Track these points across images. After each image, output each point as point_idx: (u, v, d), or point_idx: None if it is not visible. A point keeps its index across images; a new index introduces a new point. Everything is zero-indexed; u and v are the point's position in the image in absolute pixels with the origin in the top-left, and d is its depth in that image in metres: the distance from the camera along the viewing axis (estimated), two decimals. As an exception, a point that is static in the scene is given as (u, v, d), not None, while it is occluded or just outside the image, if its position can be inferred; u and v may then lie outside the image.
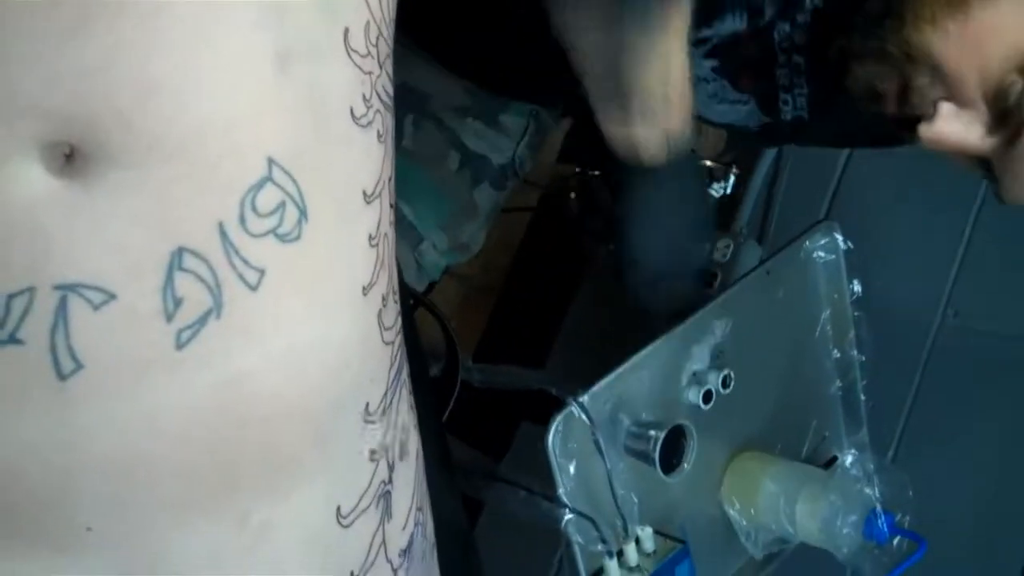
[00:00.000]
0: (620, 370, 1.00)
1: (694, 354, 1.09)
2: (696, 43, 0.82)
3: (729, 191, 0.88)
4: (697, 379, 1.09)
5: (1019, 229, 1.36)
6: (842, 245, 1.20)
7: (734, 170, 0.87)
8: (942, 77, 0.69)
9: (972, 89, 0.68)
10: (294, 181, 0.49)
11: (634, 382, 1.03)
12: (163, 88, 0.43)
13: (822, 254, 1.20)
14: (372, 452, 0.63)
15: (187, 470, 0.47)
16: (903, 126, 0.73)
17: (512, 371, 1.04)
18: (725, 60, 0.84)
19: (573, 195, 0.90)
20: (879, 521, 1.05)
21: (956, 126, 0.69)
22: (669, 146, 0.63)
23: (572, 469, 0.97)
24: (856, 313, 1.22)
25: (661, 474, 1.03)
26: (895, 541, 1.08)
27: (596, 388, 0.98)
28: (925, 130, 0.71)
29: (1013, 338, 1.31)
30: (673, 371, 1.07)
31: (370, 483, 0.61)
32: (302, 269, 0.50)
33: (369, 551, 0.61)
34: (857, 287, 1.21)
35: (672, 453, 1.05)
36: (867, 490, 1.07)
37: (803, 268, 1.19)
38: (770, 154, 1.57)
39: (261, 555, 0.51)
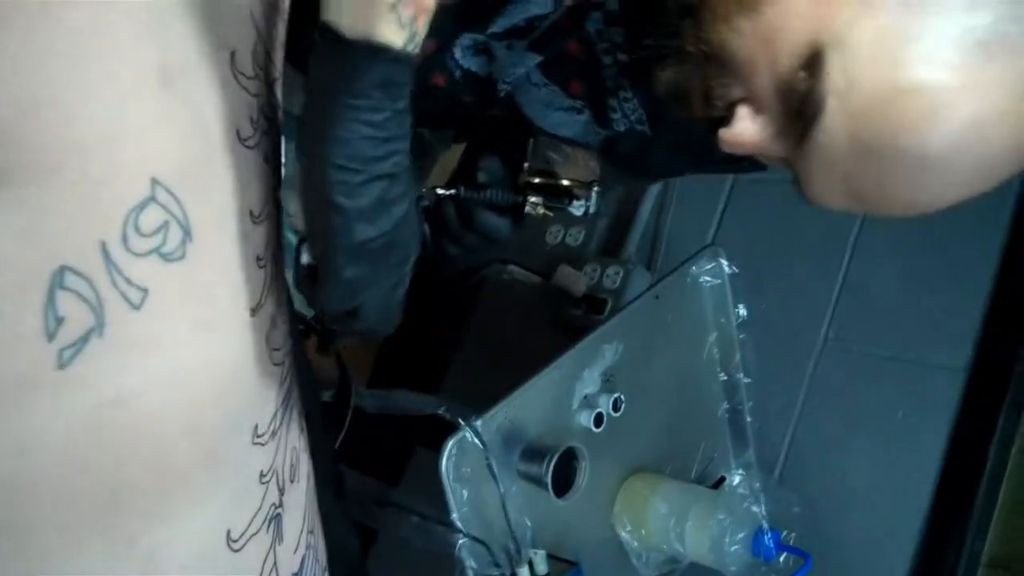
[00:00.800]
0: (513, 395, 1.01)
1: (585, 378, 1.10)
2: (512, 33, 0.82)
3: (592, 209, 0.89)
4: (588, 402, 1.10)
5: (898, 252, 1.40)
6: (727, 270, 1.23)
7: (595, 187, 0.88)
8: (738, 77, 0.70)
9: (766, 88, 0.69)
10: (178, 201, 0.49)
11: (527, 406, 1.04)
12: (47, 103, 0.43)
13: (708, 279, 1.23)
14: (262, 474, 0.63)
15: (70, 492, 0.46)
16: (711, 130, 0.75)
17: (405, 396, 1.05)
18: (552, 63, 0.85)
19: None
20: (766, 538, 1.08)
21: (752, 128, 0.71)
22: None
23: (466, 494, 0.97)
24: (741, 336, 1.25)
25: (554, 497, 1.04)
26: (782, 557, 1.11)
27: (489, 413, 0.99)
28: (723, 133, 0.72)
29: (892, 359, 1.36)
30: (565, 395, 1.09)
31: (260, 505, 0.61)
32: (187, 289, 0.50)
33: (261, 573, 0.60)
34: (743, 311, 1.24)
35: (564, 476, 1.06)
36: (754, 508, 1.09)
37: (690, 292, 1.22)
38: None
39: (153, 580, 0.51)
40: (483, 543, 0.99)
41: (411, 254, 0.70)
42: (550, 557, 1.05)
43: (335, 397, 0.95)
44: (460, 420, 0.96)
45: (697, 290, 1.23)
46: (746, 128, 0.71)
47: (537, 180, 0.90)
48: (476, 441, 0.97)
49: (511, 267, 1.46)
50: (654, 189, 1.60)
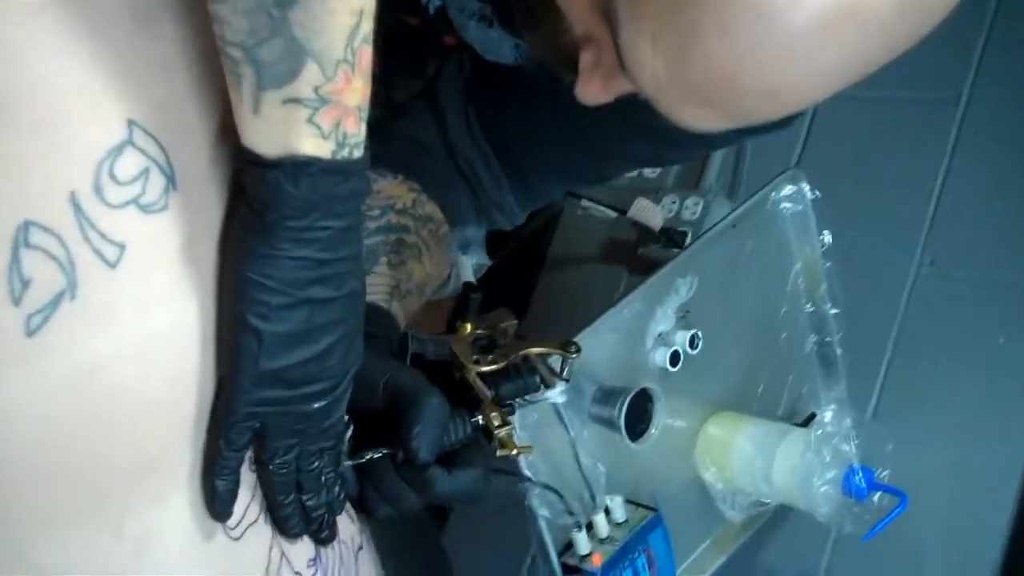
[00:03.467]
0: (582, 335, 0.96)
1: (659, 315, 1.05)
2: None
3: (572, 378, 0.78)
4: (663, 340, 1.05)
5: (992, 172, 1.32)
6: (809, 195, 1.15)
7: (573, 350, 0.76)
8: (572, 25, 0.65)
9: (596, 30, 0.63)
10: (159, 144, 0.45)
11: (597, 347, 0.99)
12: (6, 41, 0.39)
13: (789, 205, 1.16)
14: (251, 458, 0.59)
15: (49, 476, 0.42)
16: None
17: (467, 340, 0.99)
18: None
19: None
20: (857, 477, 1.02)
21: (595, 78, 0.65)
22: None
23: (534, 441, 0.93)
24: (828, 264, 1.18)
25: (628, 441, 0.99)
26: (875, 497, 1.04)
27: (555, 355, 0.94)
28: (576, 90, 0.66)
29: (991, 283, 1.28)
30: (638, 334, 1.03)
31: (254, 493, 0.57)
32: (169, 243, 0.46)
33: (269, 563, 0.57)
34: (828, 238, 1.17)
35: (639, 419, 1.01)
36: (844, 446, 1.03)
37: (770, 220, 1.15)
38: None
39: (146, 566, 0.47)
40: (555, 491, 0.94)
41: (338, 388, 0.62)
42: (628, 503, 1.00)
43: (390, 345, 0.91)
44: (555, 379, 0.91)
45: (778, 217, 1.16)
46: (592, 81, 0.65)
47: (489, 368, 0.74)
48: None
49: (584, 202, 1.40)
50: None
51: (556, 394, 0.73)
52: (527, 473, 0.92)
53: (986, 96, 1.40)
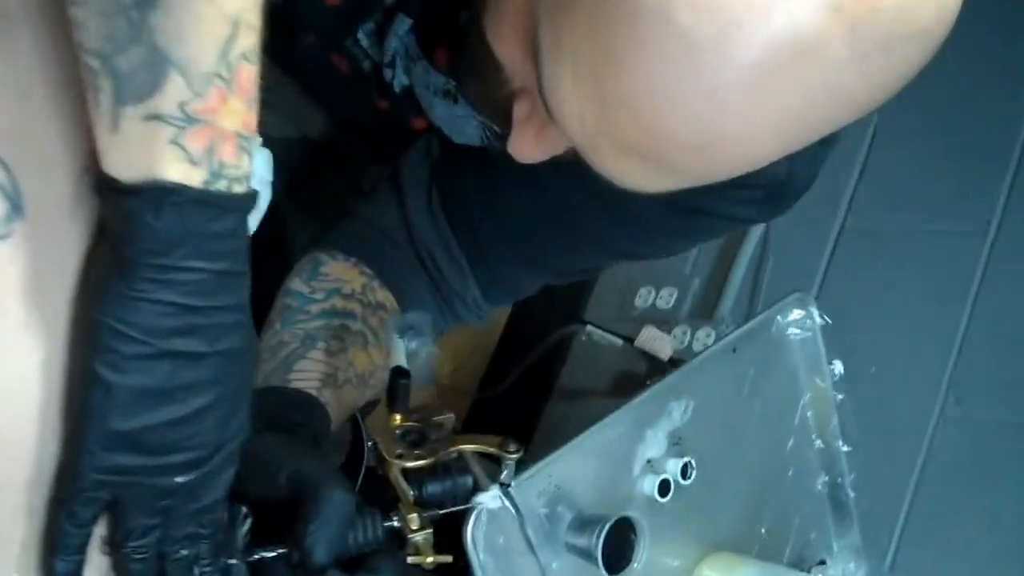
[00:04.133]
0: (556, 454, 0.88)
1: (648, 439, 0.96)
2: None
3: (510, 480, 0.70)
4: (652, 468, 0.96)
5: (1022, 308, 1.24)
6: (819, 320, 1.08)
7: (512, 449, 0.68)
8: (510, 77, 0.59)
9: (527, 76, 0.56)
10: (4, 166, 0.40)
11: (578, 470, 0.91)
12: None
13: (797, 331, 1.08)
14: (103, 538, 0.52)
15: None
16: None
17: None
18: (423, 26, 0.71)
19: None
20: (862, 629, 0.91)
21: (528, 130, 0.58)
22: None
23: (498, 569, 0.84)
24: (840, 398, 1.10)
25: (606, 574, 0.90)
26: (885, 655, 0.94)
27: (526, 475, 0.86)
28: (509, 145, 0.60)
29: (1021, 425, 1.18)
30: (624, 459, 0.95)
31: None
32: (10, 279, 0.40)
33: None
34: (839, 368, 1.09)
35: (620, 551, 0.92)
36: (848, 593, 0.93)
37: (776, 346, 1.08)
38: (755, 235, 1.47)
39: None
40: (522, 628, 0.85)
41: (209, 462, 0.54)
42: (605, 648, 0.91)
43: (347, 458, 0.83)
44: (491, 484, 0.83)
45: (784, 343, 1.08)
46: (525, 135, 0.59)
47: (414, 464, 0.66)
48: (509, 506, 0.84)
49: (589, 328, 1.34)
50: (752, 241, 1.47)
51: (489, 499, 0.64)
52: (486, 601, 0.84)
53: (1016, 229, 1.33)
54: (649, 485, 0.95)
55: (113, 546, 0.53)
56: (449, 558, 0.64)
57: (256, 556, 0.61)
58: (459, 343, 1.59)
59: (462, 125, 0.74)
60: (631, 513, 0.93)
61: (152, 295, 0.48)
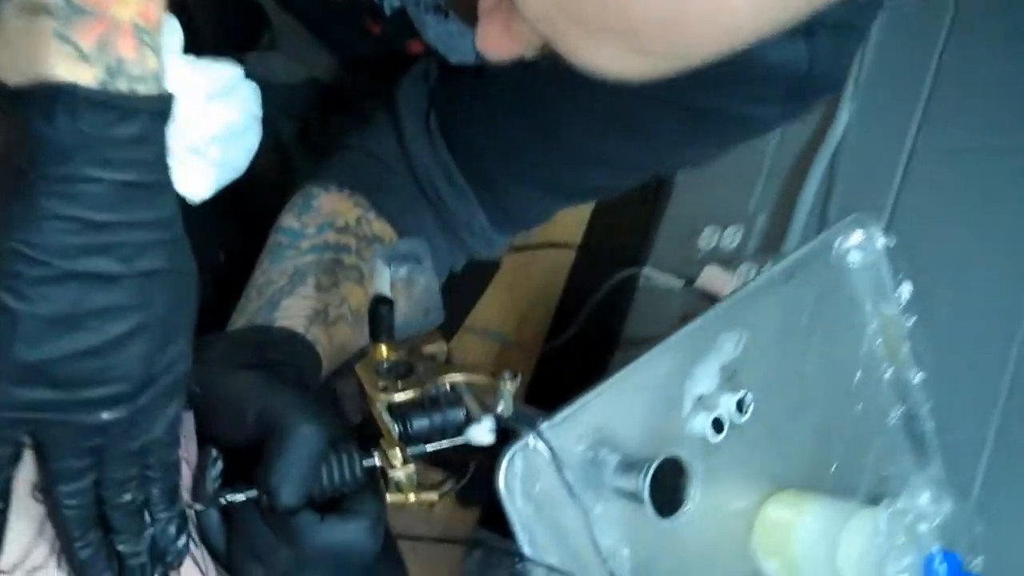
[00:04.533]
0: (593, 393, 0.83)
1: (698, 375, 0.91)
2: None
3: (508, 411, 0.62)
4: (704, 404, 0.91)
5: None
6: (882, 242, 1.01)
7: (507, 378, 0.61)
8: None
9: None
10: None
11: (621, 410, 0.86)
12: None
13: (859, 254, 1.02)
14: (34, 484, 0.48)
15: None
16: None
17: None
18: None
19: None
20: (938, 564, 0.85)
21: (495, 20, 0.51)
22: None
23: (539, 518, 0.80)
24: (911, 322, 1.03)
25: (656, 517, 0.85)
26: (963, 589, 0.87)
27: (559, 416, 0.81)
28: (477, 40, 0.53)
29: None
30: (673, 397, 0.90)
31: (41, 531, 0.46)
32: None
33: None
34: (907, 291, 1.02)
35: (670, 493, 0.87)
36: (922, 527, 0.87)
37: (836, 271, 1.01)
38: (821, 164, 1.39)
39: None
40: (567, 574, 0.81)
41: (139, 397, 0.49)
42: (664, 594, 0.86)
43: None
44: (524, 428, 0.78)
45: (845, 268, 1.01)
46: (491, 13, 0.52)
47: (399, 397, 0.60)
48: (544, 450, 0.79)
49: (647, 270, 1.28)
50: (817, 171, 1.39)
51: (482, 433, 0.59)
52: (526, 550, 0.79)
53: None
54: (701, 423, 0.90)
55: (44, 492, 0.49)
56: (435, 498, 0.59)
57: (224, 500, 0.57)
58: (521, 296, 1.54)
59: (457, 42, 0.69)
60: (683, 455, 0.87)
61: (54, 210, 0.43)
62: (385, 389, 0.59)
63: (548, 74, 0.58)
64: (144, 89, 0.45)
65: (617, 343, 1.48)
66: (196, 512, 0.58)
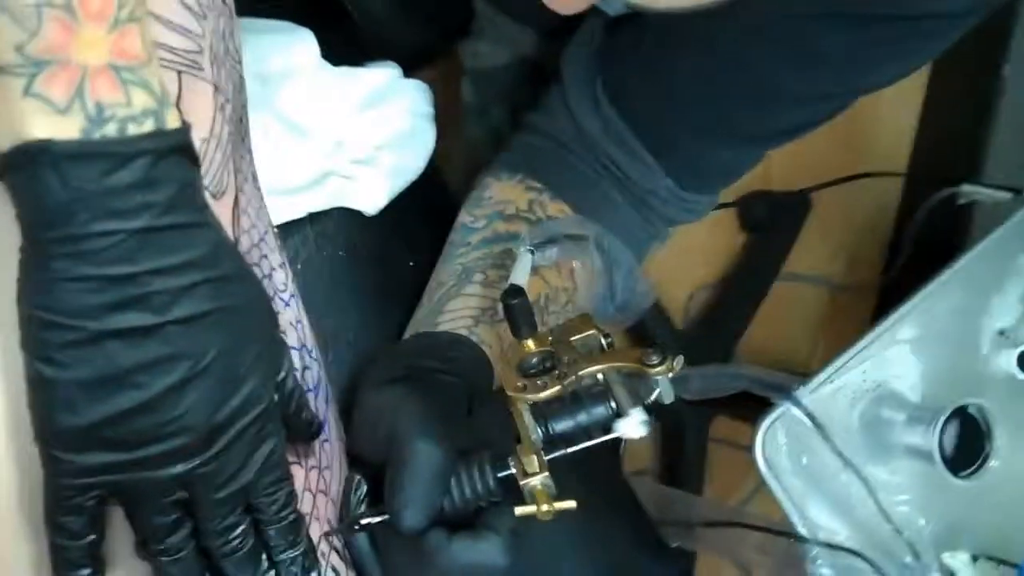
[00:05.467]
0: (856, 349, 0.74)
1: (995, 306, 0.80)
2: None
3: (669, 399, 0.52)
4: (1007, 339, 0.79)
5: None
6: None
7: (669, 356, 0.50)
8: None
9: None
10: None
11: (901, 362, 0.77)
12: None
13: None
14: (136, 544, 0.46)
15: None
16: None
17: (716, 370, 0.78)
18: None
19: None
20: None
21: None
22: None
23: (808, 490, 0.73)
24: None
25: (951, 476, 0.75)
26: None
27: (822, 376, 0.73)
28: None
29: None
30: (965, 335, 0.79)
31: None
32: None
33: None
34: None
35: (970, 447, 0.76)
36: None
37: None
38: None
39: None
40: (857, 554, 0.73)
41: (212, 446, 0.46)
42: (978, 560, 0.76)
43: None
44: (776, 395, 0.71)
45: None
46: None
47: (541, 396, 0.54)
48: (803, 418, 0.71)
49: (965, 187, 1.13)
50: None
51: (632, 427, 0.50)
52: (800, 529, 0.72)
53: None
54: (1006, 361, 0.79)
55: (144, 550, 0.49)
56: (573, 504, 0.52)
57: (358, 525, 0.55)
58: (847, 235, 1.42)
59: None
60: (983, 401, 0.76)
61: (65, 273, 0.42)
62: (524, 388, 0.54)
63: (709, 15, 0.51)
64: (136, 128, 0.42)
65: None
66: (345, 539, 0.56)
